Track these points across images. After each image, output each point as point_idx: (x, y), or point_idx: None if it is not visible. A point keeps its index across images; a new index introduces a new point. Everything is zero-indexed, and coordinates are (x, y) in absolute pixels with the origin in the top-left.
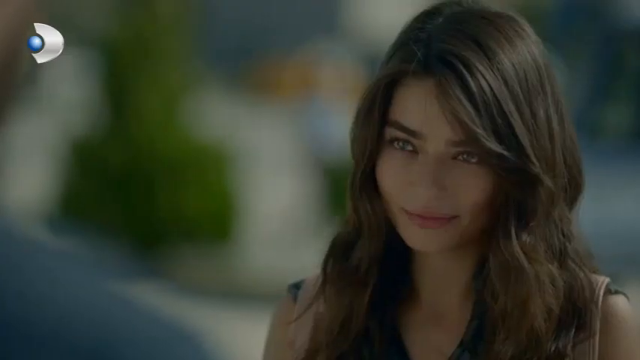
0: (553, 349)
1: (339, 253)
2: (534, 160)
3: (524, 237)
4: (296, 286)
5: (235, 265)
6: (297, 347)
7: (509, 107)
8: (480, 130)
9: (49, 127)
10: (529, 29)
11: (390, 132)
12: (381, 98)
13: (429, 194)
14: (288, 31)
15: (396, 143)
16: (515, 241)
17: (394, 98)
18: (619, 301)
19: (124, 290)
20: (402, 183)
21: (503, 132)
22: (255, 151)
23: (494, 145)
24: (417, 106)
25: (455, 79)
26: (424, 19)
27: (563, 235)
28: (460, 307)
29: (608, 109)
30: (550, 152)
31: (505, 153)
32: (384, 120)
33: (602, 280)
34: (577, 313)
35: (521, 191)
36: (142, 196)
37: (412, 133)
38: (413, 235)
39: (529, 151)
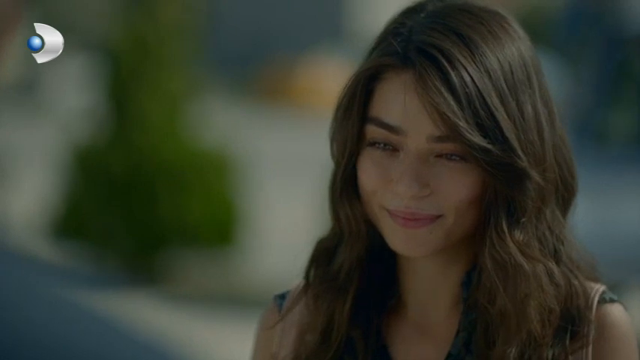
0: (551, 356)
1: (320, 259)
2: (521, 153)
3: (517, 234)
4: (281, 297)
5: (238, 272)
6: (281, 359)
7: (493, 100)
8: (462, 123)
9: (51, 134)
10: (516, 25)
11: (370, 130)
12: (360, 94)
13: (411, 192)
14: (292, 37)
15: (376, 144)
16: (509, 238)
17: (374, 94)
18: (614, 310)
19: (99, 307)
20: (382, 182)
21: (487, 125)
22: (260, 157)
23: (477, 139)
24: (396, 101)
25: (435, 71)
26: (406, 14)
27: (557, 238)
28: (448, 318)
29: (613, 114)
30: (539, 147)
31: (490, 147)
32: (364, 118)
33: (597, 289)
34: (571, 320)
35: (508, 186)
36: (144, 202)
37: (392, 128)
38: (397, 239)
39: (515, 144)
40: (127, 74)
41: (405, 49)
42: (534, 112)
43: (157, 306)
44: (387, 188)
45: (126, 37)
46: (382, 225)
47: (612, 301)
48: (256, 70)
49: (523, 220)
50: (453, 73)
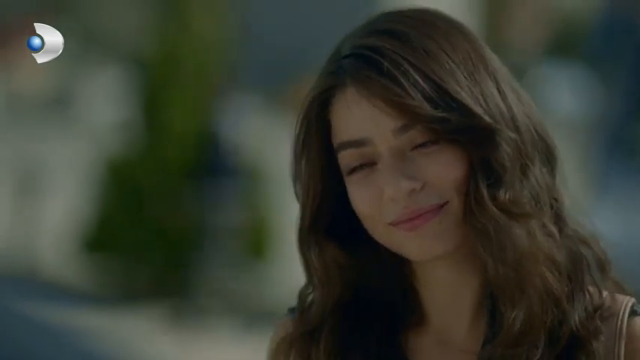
0: (577, 319)
1: (301, 307)
2: (481, 113)
3: (501, 194)
4: (294, 310)
5: (270, 286)
6: None
7: (435, 71)
8: (409, 101)
9: (82, 147)
10: (454, 19)
11: (342, 157)
12: (316, 125)
13: (401, 189)
14: (324, 52)
15: (354, 172)
16: (489, 203)
17: (331, 125)
18: None
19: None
20: (375, 199)
21: (436, 96)
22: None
23: (430, 111)
24: (349, 115)
25: (367, 67)
26: (338, 44)
27: (551, 196)
28: (471, 329)
29: None
30: (502, 103)
31: (445, 115)
32: (330, 152)
33: (627, 301)
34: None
35: (480, 147)
36: (175, 215)
37: (358, 143)
38: (411, 245)
39: (470, 105)
40: (159, 87)
41: (338, 65)
42: (488, 73)
43: (188, 319)
44: (382, 203)
45: (157, 50)
46: (392, 241)
47: None
48: (288, 85)
49: (505, 177)
50: (384, 61)
